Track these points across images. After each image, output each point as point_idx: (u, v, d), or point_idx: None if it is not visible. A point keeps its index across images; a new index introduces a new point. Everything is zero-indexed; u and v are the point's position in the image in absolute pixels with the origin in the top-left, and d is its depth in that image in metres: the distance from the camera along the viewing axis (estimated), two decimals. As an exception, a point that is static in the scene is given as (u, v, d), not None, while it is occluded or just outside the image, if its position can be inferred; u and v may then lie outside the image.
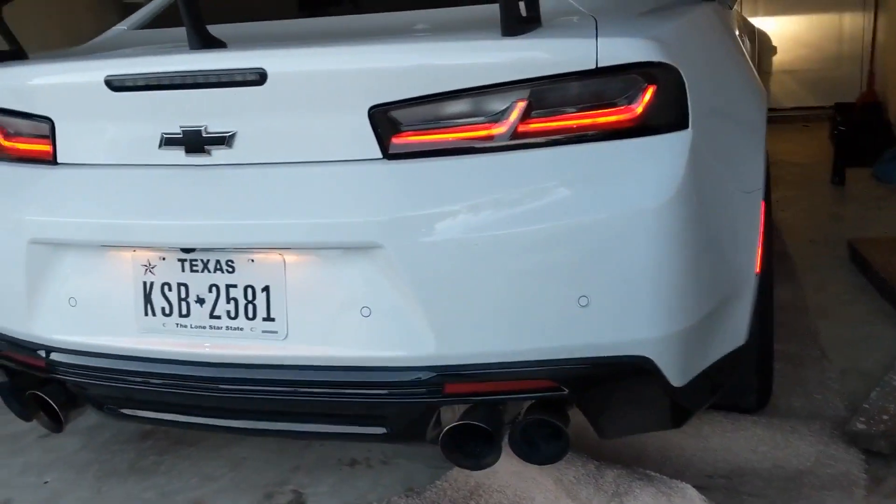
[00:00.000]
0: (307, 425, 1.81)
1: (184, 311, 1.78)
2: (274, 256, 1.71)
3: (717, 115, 1.89)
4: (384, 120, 1.65)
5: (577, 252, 1.61)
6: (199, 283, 1.77)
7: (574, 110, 1.65)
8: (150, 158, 1.76)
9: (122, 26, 2.39)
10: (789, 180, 5.42)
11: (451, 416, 1.79)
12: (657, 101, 1.66)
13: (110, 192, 1.79)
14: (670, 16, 1.92)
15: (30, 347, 1.93)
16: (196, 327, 1.77)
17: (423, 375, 1.67)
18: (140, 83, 1.71)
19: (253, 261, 1.73)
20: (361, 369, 1.69)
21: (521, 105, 1.64)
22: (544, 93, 1.64)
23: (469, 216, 1.62)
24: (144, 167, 1.77)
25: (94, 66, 1.75)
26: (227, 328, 1.75)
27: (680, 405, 1.84)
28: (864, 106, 6.71)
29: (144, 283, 1.80)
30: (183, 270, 1.78)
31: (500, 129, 1.64)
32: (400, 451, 2.37)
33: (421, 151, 1.66)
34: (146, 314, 1.81)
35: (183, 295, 1.78)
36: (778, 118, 7.41)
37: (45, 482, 2.40)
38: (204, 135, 1.71)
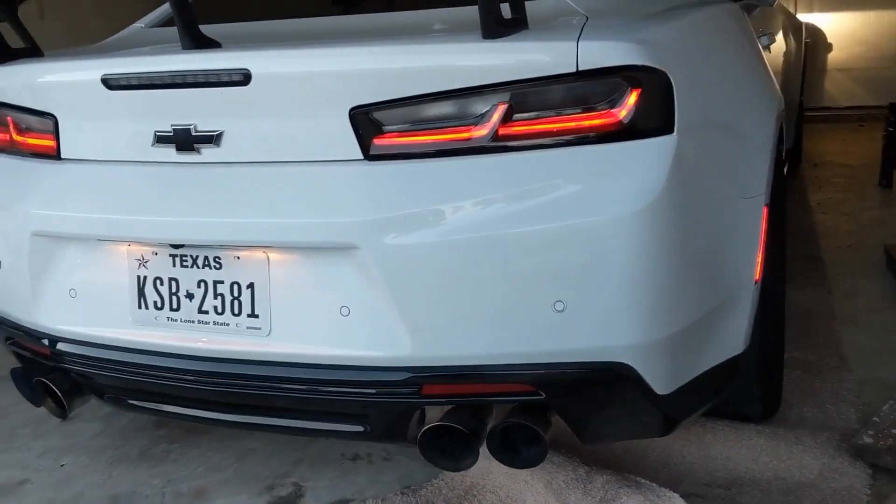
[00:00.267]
0: (289, 421, 1.84)
1: (174, 306, 1.83)
2: (258, 254, 1.75)
3: (712, 119, 1.85)
4: (365, 121, 1.66)
5: (552, 257, 1.60)
6: (188, 279, 1.81)
7: (555, 114, 1.63)
8: (144, 155, 1.81)
9: (139, 24, 2.45)
10: (836, 182, 5.27)
11: (436, 417, 1.80)
12: (641, 105, 1.63)
13: (108, 188, 1.85)
14: (670, 18, 1.89)
15: (35, 336, 2.01)
16: (185, 321, 1.82)
17: (400, 376, 1.68)
18: (133, 82, 1.76)
19: (239, 258, 1.76)
20: (341, 368, 1.71)
21: (502, 108, 1.63)
22: (525, 96, 1.63)
23: (446, 219, 1.62)
24: (139, 164, 1.82)
25: (92, 65, 1.80)
26: (214, 323, 1.79)
27: (666, 413, 1.81)
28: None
29: (138, 277, 1.85)
30: (174, 266, 1.82)
31: (480, 131, 1.64)
32: (401, 449, 2.38)
33: (401, 153, 1.67)
34: (139, 307, 1.86)
35: (174, 289, 1.82)
36: (832, 117, 7.21)
37: (62, 465, 2.48)
38: (193, 133, 1.74)
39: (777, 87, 2.46)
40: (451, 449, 1.74)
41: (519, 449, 1.74)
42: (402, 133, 1.67)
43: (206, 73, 1.69)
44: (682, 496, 2.09)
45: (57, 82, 1.90)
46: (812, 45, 6.06)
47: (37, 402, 2.13)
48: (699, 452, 2.24)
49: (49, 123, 1.92)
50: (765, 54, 2.87)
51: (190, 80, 1.71)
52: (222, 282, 1.78)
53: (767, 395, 2.27)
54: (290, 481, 2.31)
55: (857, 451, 2.17)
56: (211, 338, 1.79)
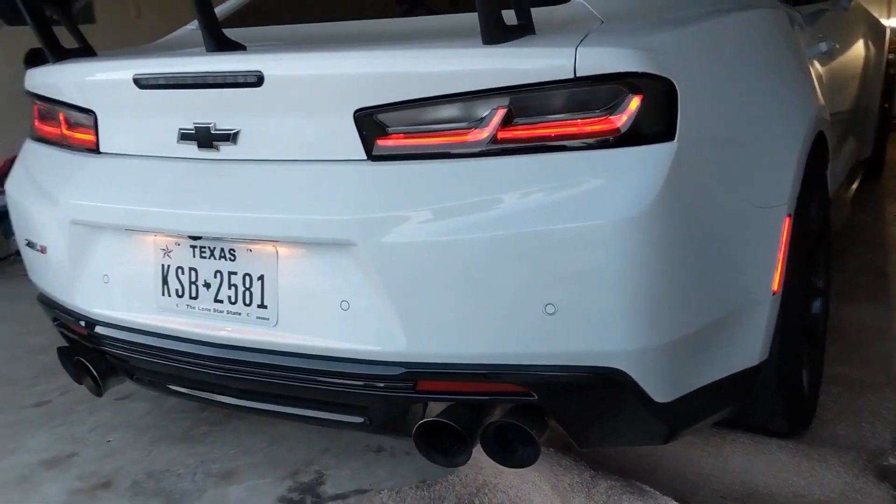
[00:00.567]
0: (294, 409, 1.91)
1: (193, 294, 1.92)
2: (268, 248, 1.82)
3: (723, 127, 1.83)
4: (369, 123, 1.71)
5: (543, 260, 1.61)
6: (206, 269, 1.90)
7: (554, 119, 1.65)
8: (169, 151, 1.91)
9: (190, 26, 2.57)
10: (918, 194, 5.04)
11: (436, 412, 1.84)
12: (642, 111, 1.63)
13: (137, 181, 1.96)
14: (684, 25, 1.88)
15: (75, 317, 2.14)
16: (203, 309, 1.91)
17: (396, 371, 1.73)
18: (161, 82, 1.86)
19: (251, 251, 1.85)
20: (340, 360, 1.77)
21: (502, 112, 1.65)
22: (524, 101, 1.65)
23: (442, 219, 1.65)
24: (165, 159, 1.93)
25: (126, 66, 1.92)
26: (228, 312, 1.88)
27: (666, 422, 1.80)
28: None
29: (163, 266, 1.96)
30: (194, 256, 1.92)
31: (479, 135, 1.67)
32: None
33: (403, 154, 1.71)
34: (163, 294, 1.96)
35: (193, 279, 1.92)
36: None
37: (108, 441, 2.64)
38: (213, 131, 1.83)
39: (817, 94, 2.39)
40: (444, 445, 1.77)
41: (512, 449, 1.76)
42: (404, 135, 1.71)
43: (223, 74, 1.78)
44: (695, 508, 2.08)
45: (96, 81, 2.03)
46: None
47: (77, 380, 2.27)
48: (717, 464, 2.21)
49: (90, 119, 2.05)
50: (823, 61, 2.80)
51: (209, 80, 1.80)
52: (236, 273, 1.87)
53: (793, 410, 2.21)
54: (314, 468, 2.39)
55: (882, 473, 2.10)
56: (224, 326, 1.88)
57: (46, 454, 2.57)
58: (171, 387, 2.10)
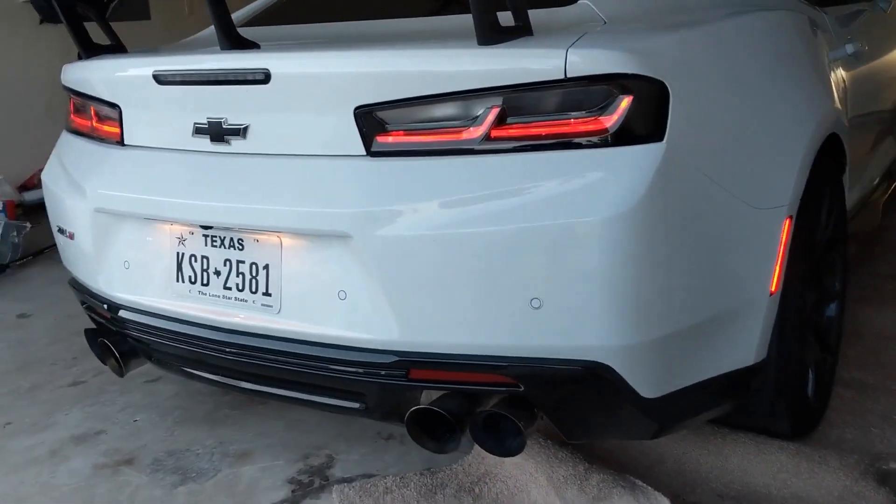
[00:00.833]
0: (295, 392, 2.00)
1: (205, 281, 2.02)
2: (273, 238, 1.91)
3: (721, 129, 1.85)
4: (368, 119, 1.78)
5: (530, 255, 1.66)
6: (217, 257, 2.00)
7: (546, 118, 1.70)
8: (185, 144, 2.01)
9: (219, 24, 2.67)
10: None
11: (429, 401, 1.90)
12: (632, 112, 1.67)
13: (156, 172, 2.06)
14: (683, 28, 1.90)
15: (99, 300, 2.26)
16: (213, 296, 2.01)
17: (388, 359, 1.80)
18: (178, 78, 1.96)
19: (258, 241, 1.93)
20: (338, 347, 1.84)
21: (495, 111, 1.71)
22: (517, 100, 1.70)
23: (434, 214, 1.71)
24: (181, 152, 2.02)
25: (147, 63, 2.02)
26: (236, 299, 1.97)
27: (653, 417, 1.83)
28: None
29: (178, 254, 2.06)
30: (206, 245, 2.01)
31: (474, 133, 1.73)
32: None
33: (401, 150, 1.78)
34: (177, 280, 2.06)
35: (205, 266, 2.02)
36: None
37: (135, 420, 2.76)
38: (224, 126, 1.92)
39: (832, 97, 2.38)
40: (435, 432, 1.84)
41: (500, 438, 1.82)
42: (402, 132, 1.78)
43: (234, 71, 1.87)
44: (691, 504, 2.11)
45: (121, 77, 2.14)
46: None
47: (102, 360, 2.39)
48: (716, 463, 2.22)
49: (116, 113, 2.16)
50: (849, 63, 2.78)
51: (221, 77, 1.89)
52: (244, 262, 1.96)
53: (796, 412, 2.22)
54: (325, 452, 2.48)
55: (881, 477, 2.10)
56: (232, 312, 1.97)
57: (77, 430, 2.70)
58: (185, 369, 2.20)
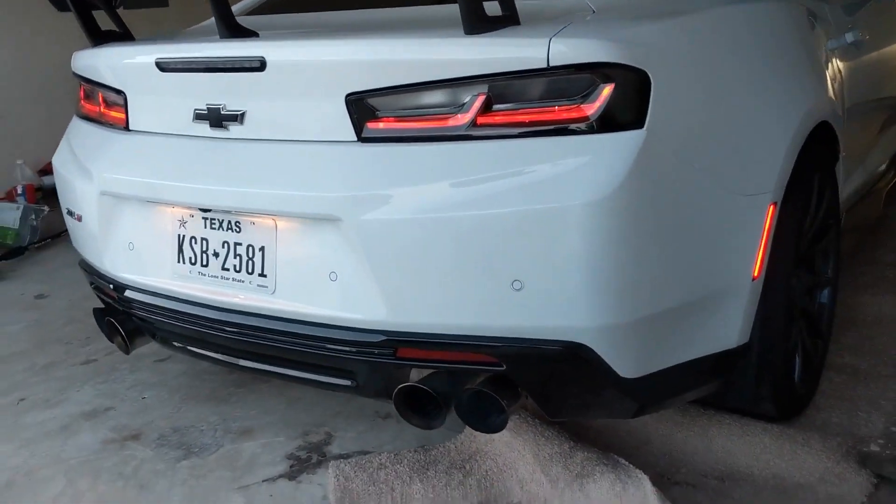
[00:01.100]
0: (289, 370, 2.07)
1: (204, 262, 2.09)
2: (268, 221, 1.97)
3: (705, 117, 1.89)
4: (358, 106, 1.84)
5: (512, 238, 1.71)
6: (215, 239, 2.07)
7: (529, 106, 1.75)
8: (186, 130, 2.08)
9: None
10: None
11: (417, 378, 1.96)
12: (613, 100, 1.72)
13: (158, 156, 2.14)
14: (668, 17, 1.94)
15: (105, 280, 2.34)
16: (212, 276, 2.08)
17: (376, 338, 1.86)
18: (179, 66, 2.03)
19: (254, 223, 2.00)
20: (328, 326, 1.91)
21: (481, 99, 1.76)
22: (502, 88, 1.75)
23: (421, 198, 1.77)
24: (182, 137, 2.10)
25: (151, 50, 2.09)
26: (233, 280, 2.04)
27: (633, 397, 1.89)
28: None
29: (179, 236, 2.14)
30: (205, 227, 2.09)
31: (460, 120, 1.78)
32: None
33: (390, 136, 1.84)
34: (178, 261, 2.14)
35: (204, 248, 2.09)
36: None
37: (143, 397, 2.85)
38: (222, 112, 1.99)
39: (823, 85, 2.41)
40: (422, 409, 1.90)
41: (484, 415, 1.88)
42: (391, 118, 1.84)
43: (231, 59, 1.93)
44: (676, 483, 2.17)
45: (126, 64, 2.21)
46: None
47: (109, 338, 2.48)
48: (701, 444, 2.28)
49: (121, 99, 2.24)
50: (848, 52, 2.80)
51: (220, 65, 1.96)
52: (241, 244, 2.03)
53: (781, 395, 2.26)
54: (324, 430, 2.56)
55: (862, 459, 2.14)
56: (229, 292, 2.05)
57: (87, 407, 2.80)
58: (187, 347, 2.28)
